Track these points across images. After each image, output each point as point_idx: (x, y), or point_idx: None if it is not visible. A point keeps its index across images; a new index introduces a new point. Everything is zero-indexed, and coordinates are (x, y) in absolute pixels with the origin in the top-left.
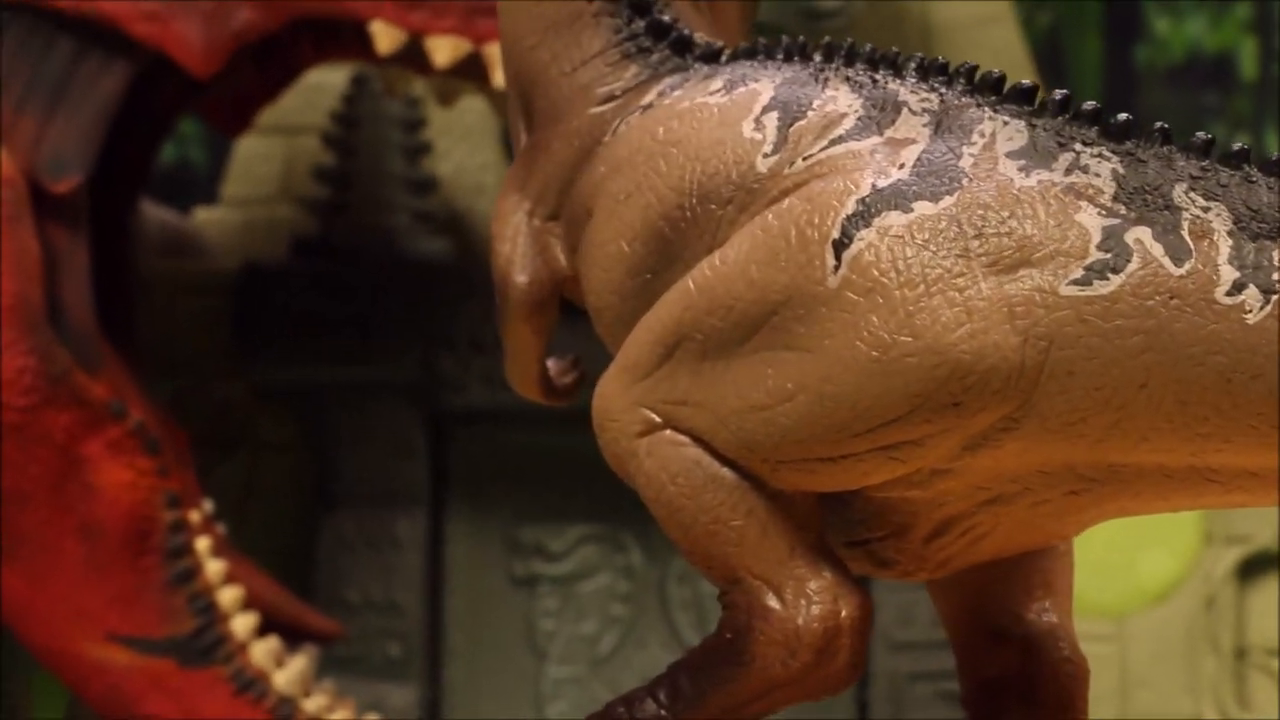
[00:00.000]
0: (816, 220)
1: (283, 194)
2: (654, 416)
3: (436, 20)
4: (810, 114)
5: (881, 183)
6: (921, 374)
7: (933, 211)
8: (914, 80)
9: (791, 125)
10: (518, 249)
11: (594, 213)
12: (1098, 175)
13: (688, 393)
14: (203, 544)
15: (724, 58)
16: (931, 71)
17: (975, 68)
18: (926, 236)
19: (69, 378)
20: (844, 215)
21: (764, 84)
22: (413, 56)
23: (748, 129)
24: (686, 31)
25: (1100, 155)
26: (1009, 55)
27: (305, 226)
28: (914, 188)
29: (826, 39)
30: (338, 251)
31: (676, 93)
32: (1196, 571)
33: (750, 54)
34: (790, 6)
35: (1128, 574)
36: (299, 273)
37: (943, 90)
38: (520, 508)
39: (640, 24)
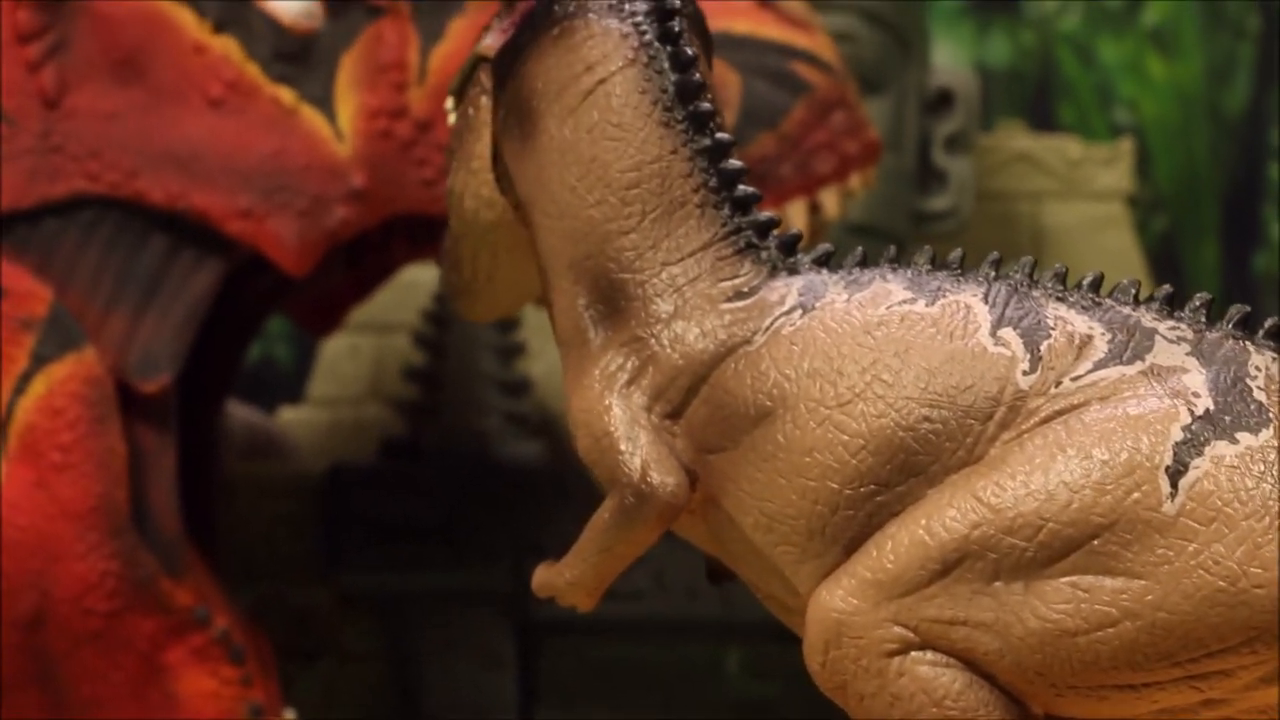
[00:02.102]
0: (1144, 446)
1: (371, 394)
2: (911, 635)
3: None
4: (1054, 333)
5: (1197, 411)
6: (1267, 605)
7: (1257, 443)
8: (1130, 303)
9: (1041, 343)
10: (647, 448)
11: (777, 417)
12: None
13: (968, 613)
14: None
15: (851, 262)
16: (1145, 298)
17: (1174, 293)
18: (1261, 469)
19: (153, 583)
20: (1173, 442)
21: (967, 296)
22: None
23: (988, 344)
24: (793, 231)
25: None
26: (1124, 260)
27: (394, 428)
28: (1228, 418)
29: (959, 250)
30: (427, 454)
31: (842, 298)
32: None
33: (862, 261)
34: (899, 209)
35: None
36: (386, 475)
37: (1182, 316)
38: None
39: (746, 220)
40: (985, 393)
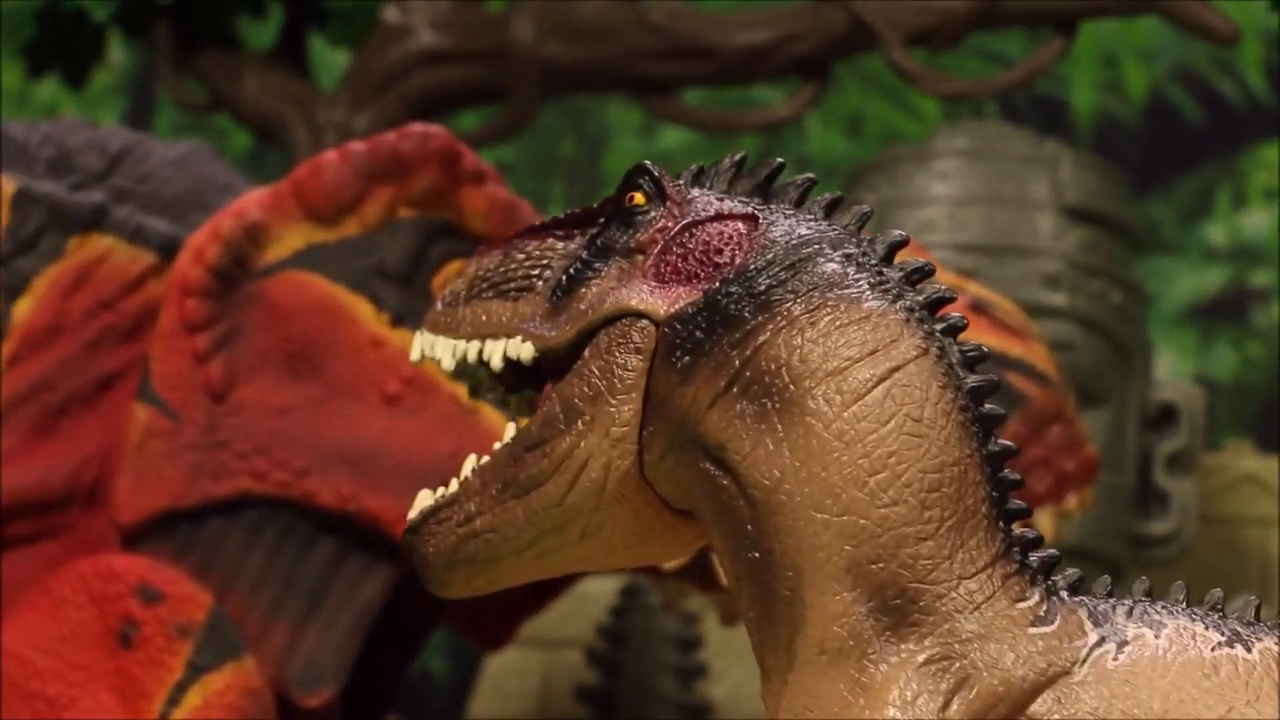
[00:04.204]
0: None
1: (540, 713)
2: None
3: None
4: None
5: None
6: None
7: None
8: None
9: None
10: None
11: None
12: None
13: None
14: None
15: (1102, 590)
16: None
17: None
18: None
19: None
20: None
21: (1273, 643)
22: (697, 571)
23: None
24: (1053, 553)
25: None
26: None
27: None
28: None
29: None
30: None
31: (1149, 634)
32: None
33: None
34: (1116, 532)
35: None
36: None
37: None
38: None
39: (1017, 536)
40: None
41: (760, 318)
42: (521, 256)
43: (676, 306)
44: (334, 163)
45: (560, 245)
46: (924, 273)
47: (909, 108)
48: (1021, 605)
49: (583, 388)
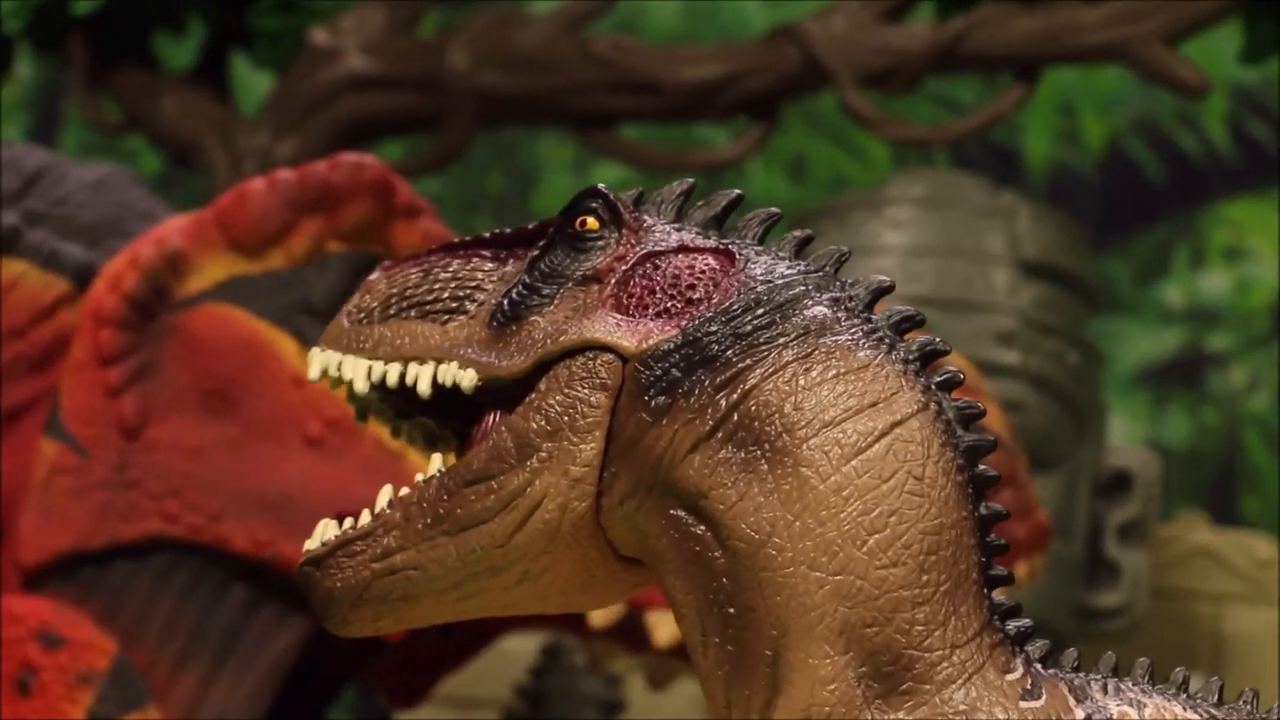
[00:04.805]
0: None
1: None
2: None
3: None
4: None
5: None
6: None
7: None
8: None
9: None
10: None
11: None
12: None
13: None
14: None
15: (1069, 663)
16: None
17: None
18: None
19: None
20: None
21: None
22: (627, 631)
23: None
24: (1028, 622)
25: None
26: None
27: None
28: None
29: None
30: None
31: (1132, 712)
32: None
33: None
34: (1064, 603)
35: None
36: None
37: None
38: None
39: (998, 603)
40: None
41: (748, 360)
42: (446, 276)
43: (650, 342)
44: (261, 191)
45: (490, 266)
46: (913, 322)
47: (856, 152)
48: (1009, 677)
49: (540, 422)
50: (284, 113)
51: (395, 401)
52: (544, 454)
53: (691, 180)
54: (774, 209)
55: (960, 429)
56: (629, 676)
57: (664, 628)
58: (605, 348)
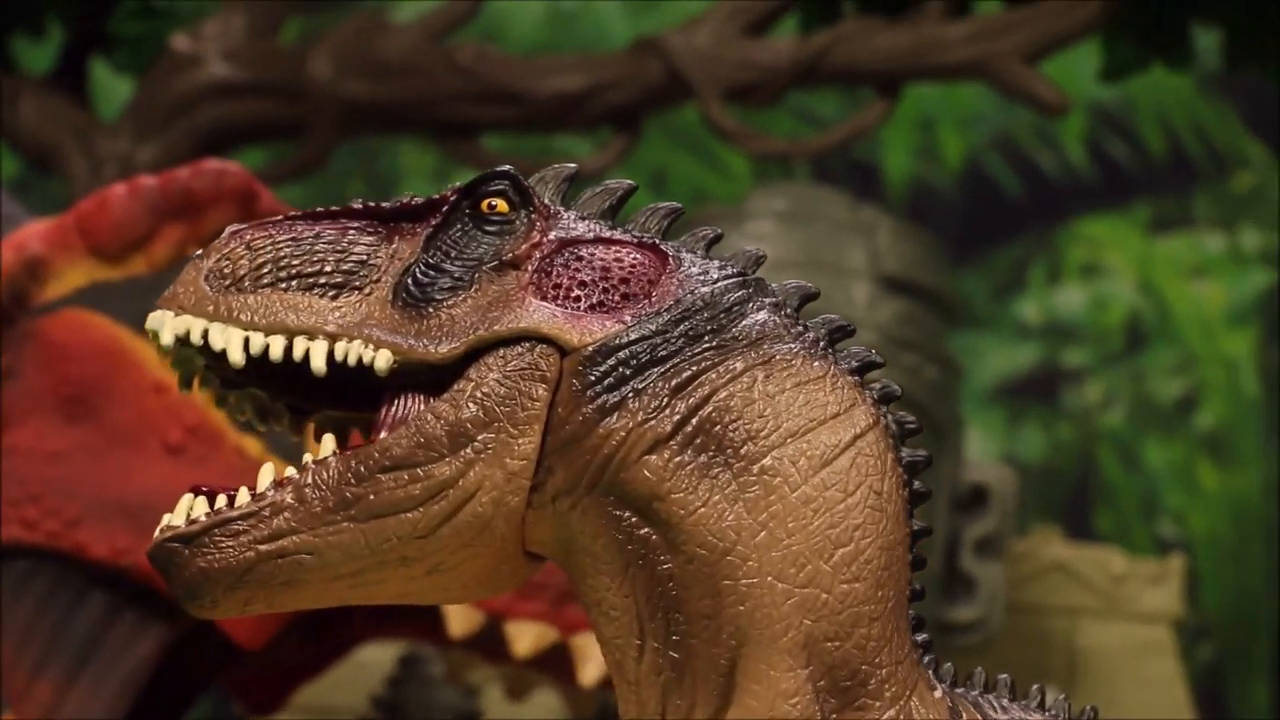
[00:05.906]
0: None
1: None
2: None
3: (521, 604)
4: None
5: None
6: None
7: None
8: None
9: None
10: None
11: None
12: None
13: None
14: None
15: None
16: None
17: None
18: None
19: None
20: None
21: None
22: (486, 641)
23: None
24: (925, 636)
25: None
26: (1167, 693)
27: None
28: None
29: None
30: None
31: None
32: None
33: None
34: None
35: None
36: None
37: None
38: None
39: (915, 617)
40: None
41: (704, 364)
42: (324, 247)
43: (594, 338)
44: (122, 197)
45: (370, 239)
46: (845, 332)
47: (717, 165)
48: (936, 694)
49: (475, 412)
50: (145, 118)
51: (224, 370)
52: (479, 445)
53: (574, 166)
54: (676, 204)
55: (902, 443)
56: (487, 687)
57: (523, 638)
58: (543, 339)
